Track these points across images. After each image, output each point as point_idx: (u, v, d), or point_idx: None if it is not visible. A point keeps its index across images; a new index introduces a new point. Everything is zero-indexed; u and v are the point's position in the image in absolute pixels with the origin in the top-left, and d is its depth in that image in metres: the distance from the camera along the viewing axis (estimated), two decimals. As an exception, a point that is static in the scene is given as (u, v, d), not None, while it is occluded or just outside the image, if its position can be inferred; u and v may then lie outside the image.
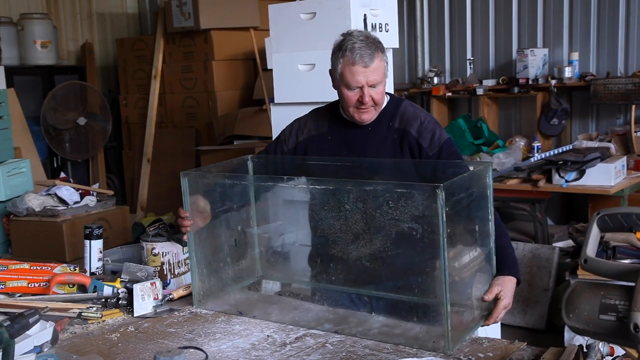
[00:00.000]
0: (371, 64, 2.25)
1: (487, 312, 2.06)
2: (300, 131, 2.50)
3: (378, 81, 2.27)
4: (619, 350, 1.70)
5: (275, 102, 3.66)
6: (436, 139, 2.32)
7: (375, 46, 2.27)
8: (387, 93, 2.43)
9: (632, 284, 1.30)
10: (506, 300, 2.05)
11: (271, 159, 2.55)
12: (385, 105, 2.40)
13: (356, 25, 3.35)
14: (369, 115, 2.33)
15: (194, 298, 2.34)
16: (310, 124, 2.49)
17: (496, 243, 2.12)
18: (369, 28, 3.42)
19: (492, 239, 2.09)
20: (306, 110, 3.41)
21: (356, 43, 2.27)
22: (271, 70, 3.72)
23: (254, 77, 6.25)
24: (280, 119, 3.64)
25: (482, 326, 2.05)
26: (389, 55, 3.22)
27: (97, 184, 6.25)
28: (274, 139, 2.66)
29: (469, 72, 6.00)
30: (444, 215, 1.78)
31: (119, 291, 2.35)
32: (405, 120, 2.36)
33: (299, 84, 3.51)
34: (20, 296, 2.41)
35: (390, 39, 3.59)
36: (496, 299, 2.05)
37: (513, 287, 2.10)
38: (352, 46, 2.27)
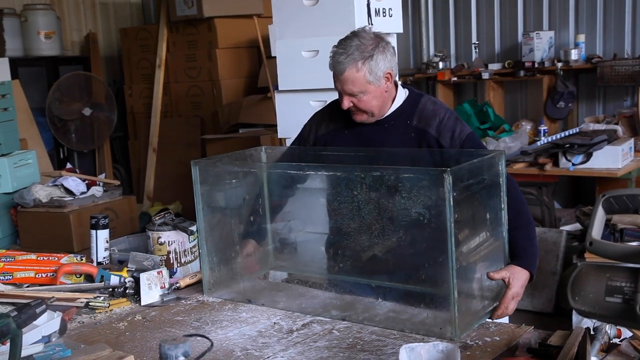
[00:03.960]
0: (343, 74, 2.20)
1: (496, 303, 2.03)
2: (319, 126, 2.48)
3: (354, 92, 2.22)
4: (627, 333, 1.69)
5: (280, 89, 3.65)
6: (457, 137, 2.26)
7: (357, 56, 2.18)
8: (405, 87, 2.39)
9: (638, 265, 1.29)
10: (514, 289, 2.01)
11: (284, 150, 2.55)
12: (403, 102, 2.34)
13: (359, 10, 3.32)
14: (358, 118, 2.31)
15: (204, 286, 2.35)
16: (329, 118, 2.46)
17: (515, 234, 2.08)
18: (373, 14, 3.39)
19: (505, 228, 2.06)
20: (311, 97, 3.43)
21: (337, 48, 2.23)
22: (275, 57, 3.71)
23: (258, 64, 6.23)
24: (285, 106, 3.63)
25: (490, 319, 2.01)
26: (393, 41, 3.20)
27: (104, 174, 6.26)
28: (294, 136, 2.64)
29: (474, 56, 5.97)
30: (451, 200, 1.77)
31: (126, 280, 2.35)
32: (424, 119, 2.30)
33: (303, 71, 3.49)
34: (27, 287, 2.42)
35: (394, 24, 3.57)
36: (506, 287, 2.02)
37: (523, 279, 2.04)
38: (334, 50, 2.25)
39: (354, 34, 2.25)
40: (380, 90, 2.25)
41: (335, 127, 2.43)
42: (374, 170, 2.09)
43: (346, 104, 2.26)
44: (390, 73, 2.25)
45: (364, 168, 2.16)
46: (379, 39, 2.25)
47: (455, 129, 2.27)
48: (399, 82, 2.39)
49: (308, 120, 2.56)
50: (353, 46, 2.20)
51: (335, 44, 2.26)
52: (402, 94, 2.36)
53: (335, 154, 2.39)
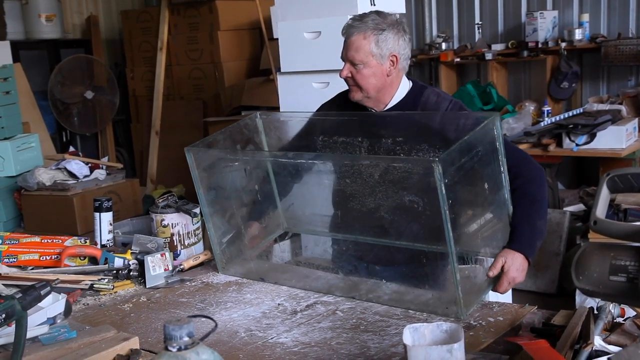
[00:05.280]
0: (351, 37, 2.21)
1: (497, 276, 2.02)
2: None
3: (356, 59, 2.21)
4: (630, 312, 1.69)
5: (282, 71, 3.64)
6: (461, 127, 2.18)
7: (370, 25, 2.20)
8: (410, 79, 2.36)
9: (643, 245, 1.29)
10: (510, 274, 1.98)
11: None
12: (406, 95, 2.31)
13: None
14: (353, 95, 2.28)
15: (218, 265, 2.37)
16: (335, 110, 2.45)
17: (515, 215, 2.06)
18: (375, -7, 3.38)
19: (507, 190, 2.05)
20: (313, 78, 3.42)
21: (355, 17, 2.25)
22: (277, 39, 3.69)
23: (260, 46, 6.21)
24: (287, 88, 3.62)
25: (492, 290, 2.03)
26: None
27: (107, 158, 6.26)
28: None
29: (477, 36, 5.93)
30: (443, 188, 1.74)
31: (130, 263, 2.36)
32: (426, 113, 2.28)
33: (305, 53, 3.48)
34: (32, 269, 2.43)
35: (397, 4, 3.55)
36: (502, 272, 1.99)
37: (518, 262, 1.99)
38: (351, 17, 2.27)
39: (377, 12, 2.28)
40: (382, 70, 2.23)
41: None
42: (363, 159, 2.09)
43: (344, 72, 2.24)
44: (395, 56, 2.23)
45: (353, 157, 2.17)
46: (398, 23, 2.25)
47: (460, 121, 2.22)
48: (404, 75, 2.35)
49: (316, 111, 2.54)
50: (370, 17, 2.23)
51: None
52: (406, 86, 2.33)
53: (337, 118, 2.39)
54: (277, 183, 2.47)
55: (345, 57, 2.25)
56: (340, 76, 2.27)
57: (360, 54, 2.20)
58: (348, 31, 2.24)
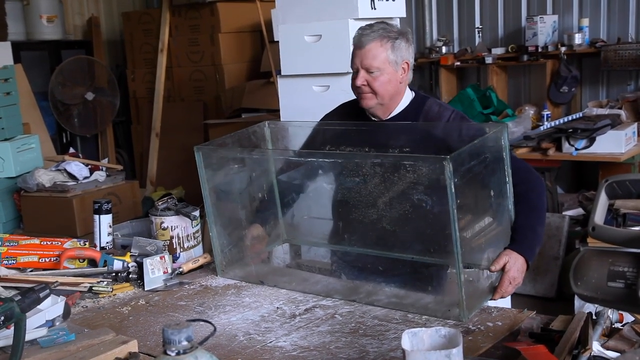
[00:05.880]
0: (366, 45, 2.23)
1: (497, 284, 2.02)
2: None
3: (373, 67, 2.23)
4: (628, 317, 1.70)
5: (283, 74, 3.64)
6: (464, 135, 2.23)
7: (382, 33, 2.24)
8: (411, 89, 2.38)
9: (641, 251, 1.29)
10: (511, 273, 1.99)
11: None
12: (408, 104, 2.35)
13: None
14: (367, 102, 2.29)
15: (217, 267, 2.37)
16: (337, 121, 2.47)
17: (518, 220, 2.07)
18: (376, -3, 3.38)
19: (511, 201, 2.07)
20: (313, 82, 3.42)
21: (364, 27, 2.28)
22: (278, 42, 3.70)
23: (261, 49, 6.21)
24: (287, 91, 3.62)
25: (491, 299, 2.02)
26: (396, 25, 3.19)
27: (107, 159, 6.26)
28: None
29: (477, 40, 5.93)
30: (453, 186, 1.76)
31: (129, 265, 2.36)
32: (429, 121, 2.31)
33: (306, 56, 3.48)
34: (31, 271, 2.43)
35: (397, 8, 3.55)
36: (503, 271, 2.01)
37: (520, 264, 2.01)
38: (360, 28, 2.30)
39: (381, 21, 2.32)
40: (397, 77, 2.27)
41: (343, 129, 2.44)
42: (373, 157, 2.10)
43: (360, 80, 2.26)
44: (407, 63, 2.28)
45: (363, 155, 2.17)
46: (404, 32, 2.30)
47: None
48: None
49: (319, 121, 2.55)
50: (380, 26, 2.26)
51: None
52: (409, 96, 2.37)
53: (342, 128, 2.40)
54: (280, 192, 2.47)
55: (360, 65, 2.26)
56: (356, 84, 2.27)
57: (378, 61, 2.23)
58: (361, 40, 2.25)
